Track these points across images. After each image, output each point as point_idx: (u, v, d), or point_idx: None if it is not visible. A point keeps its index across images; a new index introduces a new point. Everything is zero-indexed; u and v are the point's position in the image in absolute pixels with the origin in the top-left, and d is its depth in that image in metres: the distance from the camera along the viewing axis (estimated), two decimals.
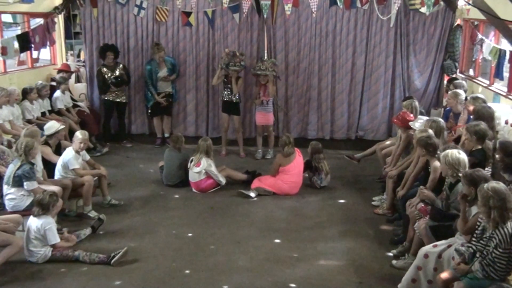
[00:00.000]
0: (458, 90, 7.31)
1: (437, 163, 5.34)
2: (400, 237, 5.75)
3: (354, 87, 9.61)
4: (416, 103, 7.39)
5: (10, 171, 5.91)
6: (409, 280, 4.64)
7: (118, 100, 9.54)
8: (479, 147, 5.50)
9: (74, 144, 6.70)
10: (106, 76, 9.31)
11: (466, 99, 7.32)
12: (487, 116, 5.99)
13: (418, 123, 6.43)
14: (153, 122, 9.77)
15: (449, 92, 7.40)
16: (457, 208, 4.71)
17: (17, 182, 5.81)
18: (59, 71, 9.71)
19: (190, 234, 6.15)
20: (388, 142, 7.81)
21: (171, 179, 7.70)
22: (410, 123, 6.57)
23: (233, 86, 8.83)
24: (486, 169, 5.42)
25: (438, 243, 4.64)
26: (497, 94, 7.83)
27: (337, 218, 6.68)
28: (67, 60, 10.61)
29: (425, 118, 6.65)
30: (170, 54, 9.66)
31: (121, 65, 9.46)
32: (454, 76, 9.25)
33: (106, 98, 9.46)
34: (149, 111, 9.66)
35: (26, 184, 5.78)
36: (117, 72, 9.33)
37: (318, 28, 9.38)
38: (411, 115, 6.85)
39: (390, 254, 5.61)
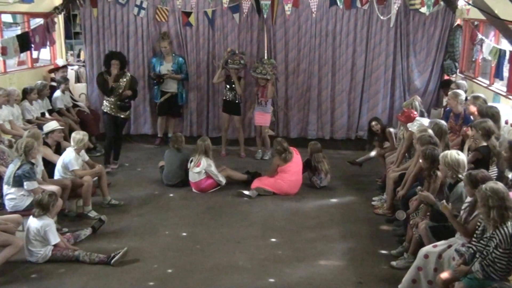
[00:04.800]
0: (458, 91, 7.31)
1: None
2: (404, 238, 5.74)
3: (354, 87, 9.61)
4: (417, 102, 7.39)
5: (10, 171, 5.91)
6: (410, 281, 4.64)
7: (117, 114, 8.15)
8: (484, 144, 5.50)
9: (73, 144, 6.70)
10: (108, 80, 7.97)
11: (466, 99, 7.32)
12: (494, 117, 5.99)
13: (415, 125, 6.42)
14: (157, 121, 9.78)
15: (449, 92, 7.40)
16: (457, 209, 4.71)
17: (17, 182, 5.81)
18: (51, 72, 9.72)
19: (190, 234, 6.15)
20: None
21: (171, 179, 7.70)
22: (408, 125, 6.57)
23: (236, 86, 8.84)
24: (492, 168, 5.42)
25: (438, 243, 4.64)
26: (497, 94, 7.83)
27: (337, 218, 6.69)
28: (67, 60, 10.62)
29: (423, 119, 6.65)
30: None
31: (128, 76, 8.17)
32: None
33: (105, 110, 8.15)
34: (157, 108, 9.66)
35: (26, 184, 5.78)
36: (122, 84, 7.98)
37: (318, 28, 9.38)
38: (415, 112, 6.87)
39: (390, 254, 5.60)
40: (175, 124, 9.89)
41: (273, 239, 6.05)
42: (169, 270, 5.29)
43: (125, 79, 8.05)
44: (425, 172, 5.42)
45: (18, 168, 5.81)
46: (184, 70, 9.49)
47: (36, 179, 5.93)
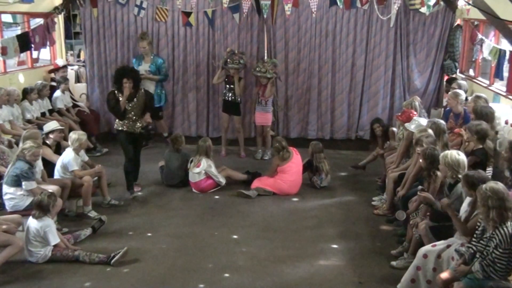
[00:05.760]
0: (459, 90, 7.31)
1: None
2: (404, 238, 5.73)
3: (354, 87, 9.61)
4: (417, 103, 7.40)
5: (8, 170, 5.91)
6: (408, 280, 4.64)
7: (131, 131, 7.13)
8: (480, 146, 5.50)
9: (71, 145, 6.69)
10: (120, 101, 6.99)
11: (466, 99, 7.32)
12: (488, 116, 5.98)
13: (414, 125, 6.42)
14: None
15: (450, 92, 7.40)
16: (457, 209, 4.72)
17: (15, 181, 5.79)
18: (51, 72, 9.72)
19: (190, 234, 6.15)
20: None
21: (171, 179, 7.70)
22: (406, 125, 6.57)
23: (235, 87, 8.83)
24: (488, 169, 5.42)
25: (437, 243, 4.64)
26: (497, 94, 7.83)
27: (337, 218, 6.69)
28: (67, 60, 10.63)
29: (422, 119, 6.65)
30: (170, 54, 9.65)
31: (141, 92, 7.15)
32: (454, 76, 9.25)
33: (120, 128, 7.15)
34: None
35: (24, 184, 5.77)
36: (136, 103, 7.01)
37: (318, 28, 9.39)
38: (415, 112, 6.88)
39: (390, 254, 5.60)
40: (166, 124, 9.80)
41: (273, 239, 6.05)
42: (169, 270, 5.29)
43: (138, 97, 7.07)
44: (425, 172, 5.42)
45: (15, 167, 5.79)
46: (162, 71, 9.14)
47: (35, 178, 5.92)
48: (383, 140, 7.82)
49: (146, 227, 6.32)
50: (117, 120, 7.21)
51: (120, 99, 6.95)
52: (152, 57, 9.16)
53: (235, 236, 6.10)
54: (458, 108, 7.08)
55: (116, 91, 7.03)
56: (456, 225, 4.51)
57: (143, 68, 9.13)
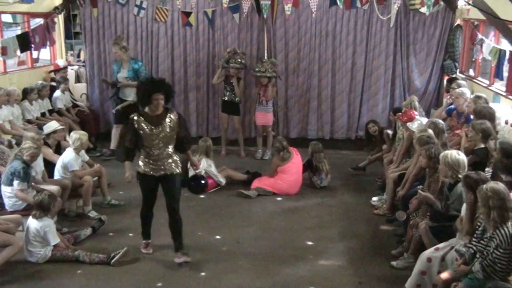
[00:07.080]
0: (464, 89, 7.29)
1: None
2: (404, 238, 5.73)
3: (354, 87, 9.61)
4: (416, 102, 7.41)
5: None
6: (414, 286, 4.58)
7: (161, 173, 5.37)
8: (482, 145, 5.48)
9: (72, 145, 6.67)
10: (142, 131, 5.16)
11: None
12: (488, 117, 5.98)
13: (416, 124, 6.43)
14: (112, 130, 8.92)
15: (456, 90, 7.36)
16: (457, 209, 4.71)
17: (11, 180, 5.77)
18: (53, 72, 9.73)
19: (189, 234, 6.13)
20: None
21: None
22: (408, 124, 6.58)
23: (235, 88, 8.82)
24: (487, 169, 5.41)
25: (439, 246, 4.60)
26: (497, 94, 7.83)
27: (337, 218, 6.69)
28: (67, 60, 10.63)
29: (423, 119, 6.65)
30: (170, 55, 9.65)
31: (173, 115, 5.26)
32: (454, 76, 9.25)
33: (139, 170, 5.43)
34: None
35: (15, 183, 5.69)
36: (166, 127, 5.17)
37: (318, 28, 9.39)
38: (416, 112, 6.89)
39: (390, 254, 5.60)
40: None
41: (273, 239, 6.05)
42: (169, 270, 5.29)
43: (169, 120, 5.21)
44: (431, 170, 5.37)
45: (10, 166, 5.77)
46: (141, 76, 8.29)
47: (29, 181, 5.83)
48: (378, 141, 7.84)
49: None
50: (141, 157, 5.36)
51: (142, 131, 5.10)
52: (129, 62, 8.41)
53: (235, 236, 6.10)
54: (463, 107, 7.06)
55: (136, 118, 5.15)
56: (467, 222, 4.42)
57: (121, 75, 8.42)
